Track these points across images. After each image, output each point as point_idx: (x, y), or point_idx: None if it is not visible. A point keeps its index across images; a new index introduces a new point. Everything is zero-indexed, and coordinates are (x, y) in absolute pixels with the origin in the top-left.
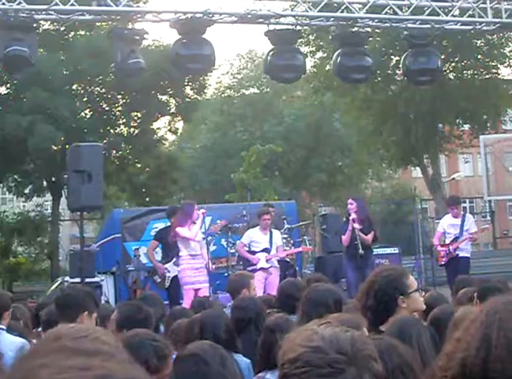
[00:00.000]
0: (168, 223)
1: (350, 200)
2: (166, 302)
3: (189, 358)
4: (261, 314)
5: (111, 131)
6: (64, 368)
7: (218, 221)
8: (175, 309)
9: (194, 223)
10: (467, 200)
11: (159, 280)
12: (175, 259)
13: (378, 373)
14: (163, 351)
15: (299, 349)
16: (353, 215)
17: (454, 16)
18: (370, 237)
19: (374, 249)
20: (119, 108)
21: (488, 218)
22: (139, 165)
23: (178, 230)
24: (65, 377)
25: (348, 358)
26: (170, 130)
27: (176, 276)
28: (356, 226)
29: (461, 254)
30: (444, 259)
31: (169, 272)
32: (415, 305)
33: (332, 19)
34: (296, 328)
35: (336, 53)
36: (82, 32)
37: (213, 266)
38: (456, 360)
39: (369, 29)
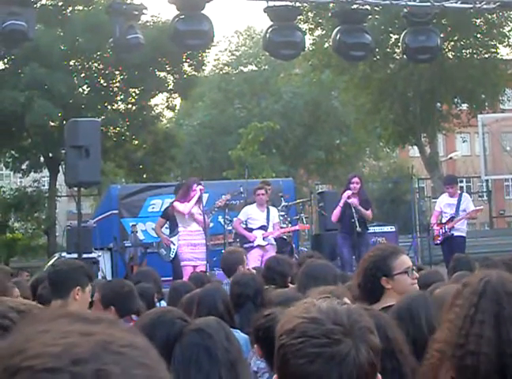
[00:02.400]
0: (167, 200)
1: (356, 179)
2: (170, 278)
3: (194, 333)
4: (259, 291)
5: (109, 107)
6: (65, 333)
7: (223, 196)
8: (177, 283)
9: (199, 198)
10: (464, 180)
11: (164, 253)
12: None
13: (374, 346)
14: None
15: (296, 320)
16: (348, 192)
17: None
18: (370, 213)
19: (371, 228)
20: (117, 84)
21: (485, 197)
22: (136, 141)
23: (175, 204)
24: (66, 342)
25: (344, 329)
26: (167, 107)
27: None
28: (354, 201)
29: (456, 234)
30: (440, 238)
31: (174, 244)
32: (399, 287)
33: None
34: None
35: (336, 30)
36: (80, 7)
37: (210, 243)
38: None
39: (368, 7)
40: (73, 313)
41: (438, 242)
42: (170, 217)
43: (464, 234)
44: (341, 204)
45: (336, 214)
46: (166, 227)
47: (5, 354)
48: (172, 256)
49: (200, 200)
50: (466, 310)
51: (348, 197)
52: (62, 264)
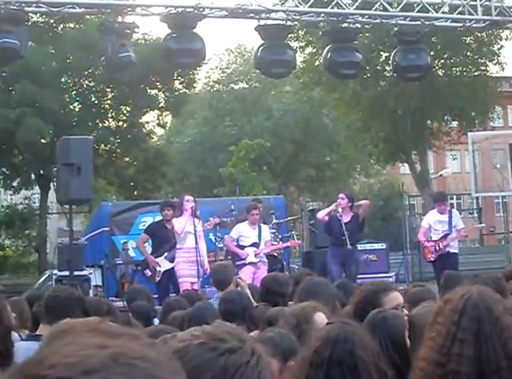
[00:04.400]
0: (158, 217)
1: (342, 195)
2: (155, 296)
3: None
4: (247, 308)
5: (100, 124)
6: (84, 345)
7: (211, 218)
8: (170, 299)
9: (195, 216)
10: (454, 197)
11: (149, 274)
12: (166, 254)
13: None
14: None
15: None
16: (340, 210)
17: (444, 13)
18: (366, 202)
19: (362, 245)
20: (108, 101)
21: (475, 215)
22: (127, 159)
23: (173, 221)
24: (82, 354)
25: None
26: (158, 124)
27: (166, 271)
28: (343, 218)
29: (452, 250)
30: (433, 255)
31: (160, 266)
32: None
33: (322, 15)
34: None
35: (327, 48)
36: (71, 25)
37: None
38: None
39: (359, 25)
40: (99, 327)
41: (432, 259)
42: (154, 234)
43: (457, 251)
44: (333, 207)
45: (323, 214)
46: (148, 244)
47: (28, 365)
48: (158, 278)
49: (194, 215)
50: (447, 328)
51: (341, 216)
52: (60, 291)
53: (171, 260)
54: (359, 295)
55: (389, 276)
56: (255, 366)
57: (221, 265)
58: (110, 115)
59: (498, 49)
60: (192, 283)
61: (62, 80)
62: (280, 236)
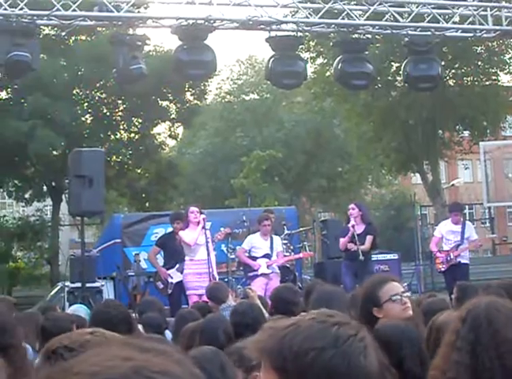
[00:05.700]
0: (169, 229)
1: (352, 205)
2: (166, 307)
3: None
4: (259, 319)
5: (112, 136)
6: (111, 357)
7: (222, 229)
8: (184, 311)
9: (203, 227)
10: (466, 207)
11: (161, 286)
12: (178, 265)
13: None
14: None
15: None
16: (352, 222)
17: (455, 23)
18: (368, 245)
19: (374, 255)
20: (120, 113)
21: (488, 224)
22: (139, 170)
23: (181, 235)
24: (106, 365)
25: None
26: (170, 136)
27: (178, 283)
28: (356, 229)
29: (463, 261)
30: (444, 266)
31: (172, 278)
32: (389, 315)
33: (333, 26)
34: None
35: (338, 59)
36: (83, 37)
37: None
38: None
39: (369, 36)
40: (131, 341)
41: (443, 269)
42: (165, 246)
43: (468, 262)
44: (350, 234)
45: (343, 243)
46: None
47: (57, 370)
48: (170, 290)
49: (204, 228)
50: (450, 337)
51: (353, 227)
52: (108, 306)
53: (183, 272)
54: (360, 294)
55: None
56: (363, 339)
57: (214, 283)
58: (121, 127)
59: (509, 58)
60: (200, 296)
61: (74, 92)
62: (292, 247)
